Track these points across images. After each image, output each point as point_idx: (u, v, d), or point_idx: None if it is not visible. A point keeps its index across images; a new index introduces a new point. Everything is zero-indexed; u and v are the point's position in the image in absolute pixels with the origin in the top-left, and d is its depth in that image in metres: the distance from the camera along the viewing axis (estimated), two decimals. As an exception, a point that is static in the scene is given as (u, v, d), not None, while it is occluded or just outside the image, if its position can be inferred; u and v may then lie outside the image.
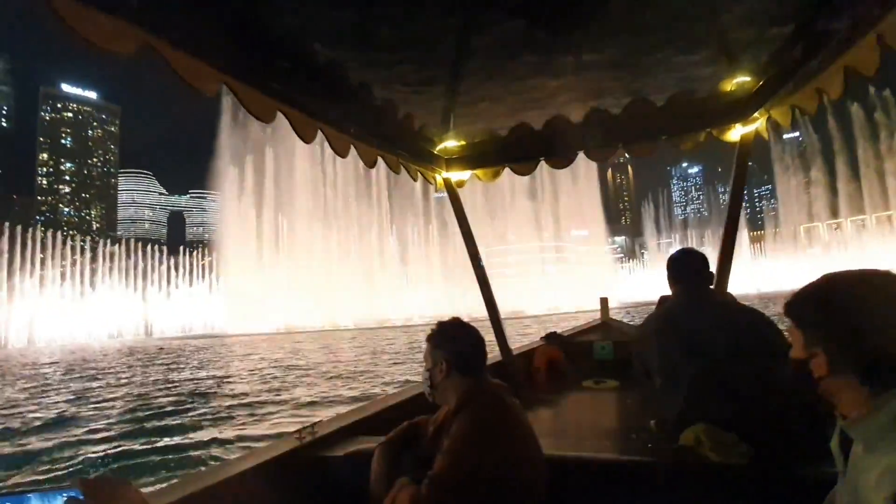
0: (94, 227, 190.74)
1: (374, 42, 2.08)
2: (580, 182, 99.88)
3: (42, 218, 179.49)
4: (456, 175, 3.44)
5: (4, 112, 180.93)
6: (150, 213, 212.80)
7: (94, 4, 1.23)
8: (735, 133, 2.86)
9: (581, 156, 3.27)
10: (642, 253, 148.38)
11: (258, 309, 60.80)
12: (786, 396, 1.59)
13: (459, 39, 2.15)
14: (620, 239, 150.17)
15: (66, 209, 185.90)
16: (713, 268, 2.10)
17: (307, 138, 2.07)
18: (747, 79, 2.61)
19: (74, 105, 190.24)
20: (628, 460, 1.69)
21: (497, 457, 1.30)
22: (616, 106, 2.86)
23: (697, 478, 1.49)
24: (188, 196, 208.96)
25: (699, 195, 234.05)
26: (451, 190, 3.47)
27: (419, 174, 3.21)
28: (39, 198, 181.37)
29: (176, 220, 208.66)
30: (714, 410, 1.68)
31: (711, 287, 2.03)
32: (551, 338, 4.21)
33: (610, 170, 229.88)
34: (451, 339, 1.56)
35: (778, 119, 2.69)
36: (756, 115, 2.72)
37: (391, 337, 28.33)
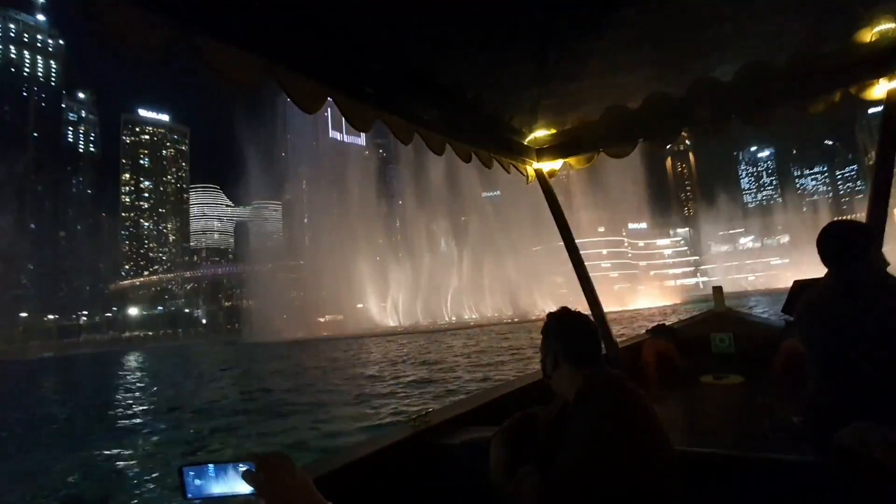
0: (171, 240, 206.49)
1: (461, 40, 2.09)
2: (635, 173, 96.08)
3: (127, 233, 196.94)
4: (547, 165, 3.33)
5: (92, 139, 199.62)
6: (219, 225, 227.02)
7: (232, 42, 1.39)
8: (880, 89, 2.52)
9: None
10: (709, 245, 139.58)
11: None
12: None
13: (543, 26, 2.10)
14: (684, 231, 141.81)
15: (147, 223, 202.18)
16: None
17: (406, 141, 2.16)
18: (891, 26, 2.32)
19: (150, 128, 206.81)
20: (772, 458, 1.55)
21: (625, 446, 1.25)
22: (726, 74, 2.61)
23: (861, 480, 1.36)
24: (252, 207, 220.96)
25: (771, 181, 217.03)
26: (543, 181, 3.35)
27: (511, 167, 3.12)
28: (123, 214, 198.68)
29: (242, 230, 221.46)
30: (875, 406, 1.50)
31: (873, 264, 1.76)
32: (659, 330, 3.88)
33: (669, 158, 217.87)
34: (558, 329, 1.54)
35: None
36: None
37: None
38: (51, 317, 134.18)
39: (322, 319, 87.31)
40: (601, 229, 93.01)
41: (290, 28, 1.61)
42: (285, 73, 1.58)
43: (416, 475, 1.90)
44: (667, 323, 4.17)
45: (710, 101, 2.69)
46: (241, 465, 0.86)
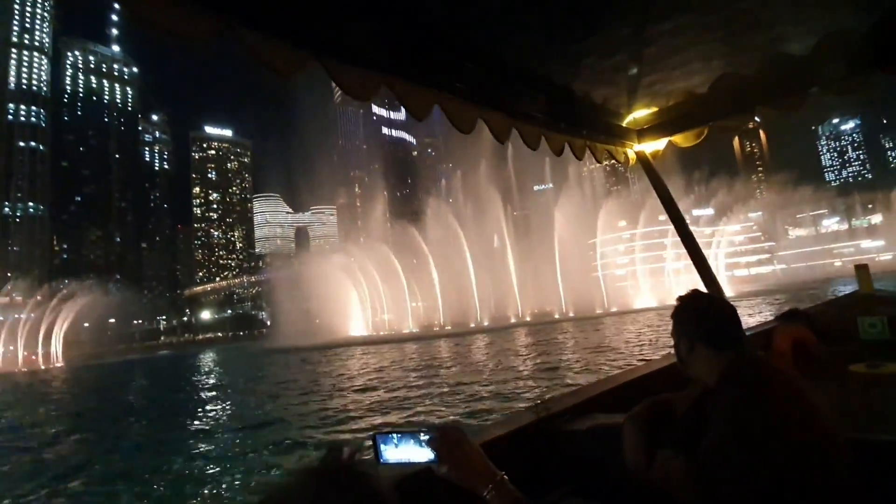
0: (238, 247, 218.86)
1: (555, 28, 2.03)
2: (698, 155, 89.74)
3: (199, 242, 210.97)
4: (650, 146, 3.20)
5: (166, 156, 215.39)
6: (280, 231, 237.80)
7: (357, 64, 1.50)
8: None
9: None
10: (786, 229, 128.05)
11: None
12: None
13: None
14: (756, 215, 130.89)
15: (216, 233, 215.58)
16: None
17: (503, 139, 2.18)
18: None
19: (215, 143, 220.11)
20: None
21: (780, 431, 1.19)
22: (863, 21, 2.22)
23: None
24: (310, 212, 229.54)
25: (858, 155, 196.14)
26: (647, 163, 3.21)
27: (606, 153, 3.01)
28: (195, 225, 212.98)
29: (301, 235, 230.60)
30: None
31: None
32: (793, 316, 3.56)
33: (737, 138, 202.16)
34: (689, 312, 1.48)
35: None
36: None
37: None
38: (135, 322, 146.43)
39: (376, 319, 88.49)
40: (662, 217, 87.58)
41: (402, 44, 1.68)
42: (401, 84, 1.67)
43: (541, 460, 1.89)
44: (800, 307, 3.73)
45: (846, 54, 2.30)
46: (422, 434, 0.96)
